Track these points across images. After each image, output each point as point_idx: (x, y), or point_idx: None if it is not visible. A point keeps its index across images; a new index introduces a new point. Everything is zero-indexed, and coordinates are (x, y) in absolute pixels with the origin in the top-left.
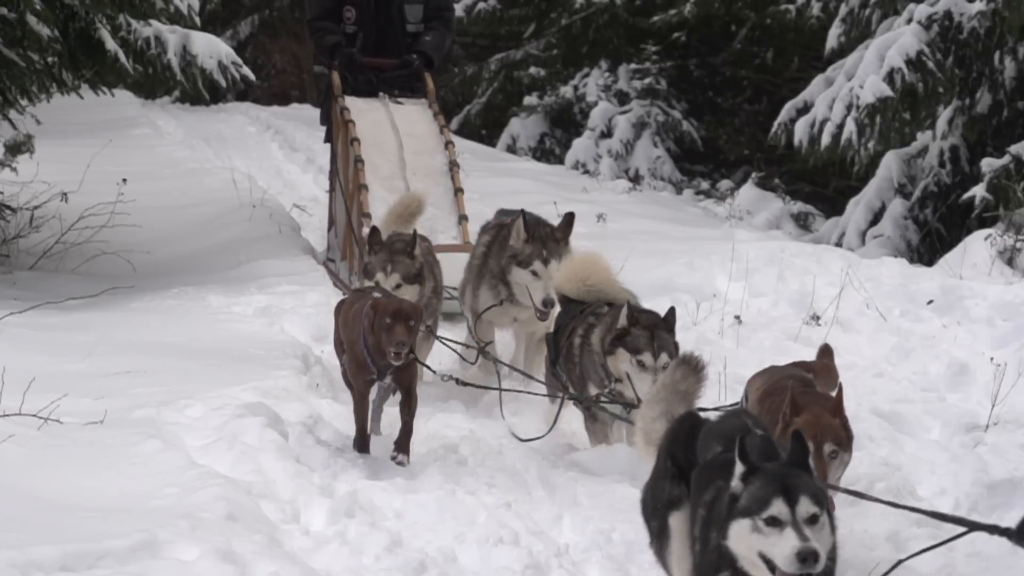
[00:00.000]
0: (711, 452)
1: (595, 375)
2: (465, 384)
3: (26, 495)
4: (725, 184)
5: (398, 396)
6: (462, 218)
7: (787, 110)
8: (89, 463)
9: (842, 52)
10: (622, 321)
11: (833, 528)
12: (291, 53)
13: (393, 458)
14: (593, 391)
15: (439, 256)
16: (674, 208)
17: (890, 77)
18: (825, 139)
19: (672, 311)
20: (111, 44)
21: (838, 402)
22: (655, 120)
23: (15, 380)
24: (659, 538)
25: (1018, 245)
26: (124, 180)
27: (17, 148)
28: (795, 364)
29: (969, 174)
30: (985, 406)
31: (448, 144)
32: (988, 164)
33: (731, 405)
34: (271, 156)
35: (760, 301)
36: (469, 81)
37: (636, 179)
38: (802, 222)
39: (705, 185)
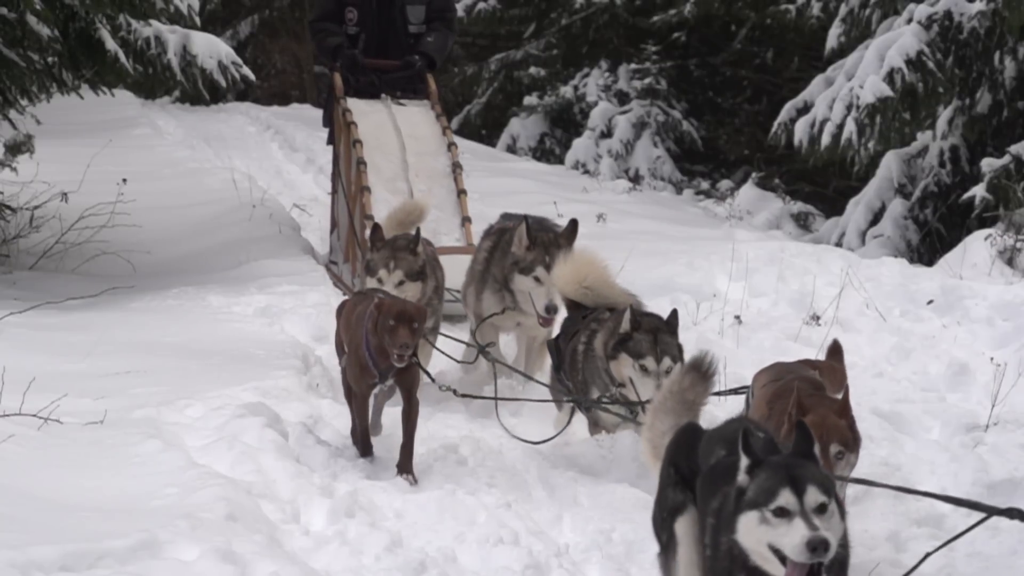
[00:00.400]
0: (714, 457)
1: (599, 380)
2: (463, 395)
3: (26, 495)
4: (725, 184)
5: (397, 395)
6: (465, 220)
7: (787, 110)
8: (89, 463)
9: (842, 52)
10: (624, 325)
11: (843, 515)
12: (291, 53)
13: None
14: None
15: (442, 258)
16: (674, 208)
17: (890, 77)
18: (825, 139)
19: (675, 313)
20: (111, 44)
21: (844, 403)
22: (655, 120)
23: (15, 380)
24: (667, 550)
25: (1018, 245)
26: (124, 180)
27: (17, 148)
28: (802, 362)
29: (969, 174)
30: (985, 406)
31: (451, 146)
32: (988, 164)
33: (738, 390)
34: (271, 156)
35: (760, 301)
36: (469, 81)
37: (636, 179)
38: (802, 222)
39: (705, 185)
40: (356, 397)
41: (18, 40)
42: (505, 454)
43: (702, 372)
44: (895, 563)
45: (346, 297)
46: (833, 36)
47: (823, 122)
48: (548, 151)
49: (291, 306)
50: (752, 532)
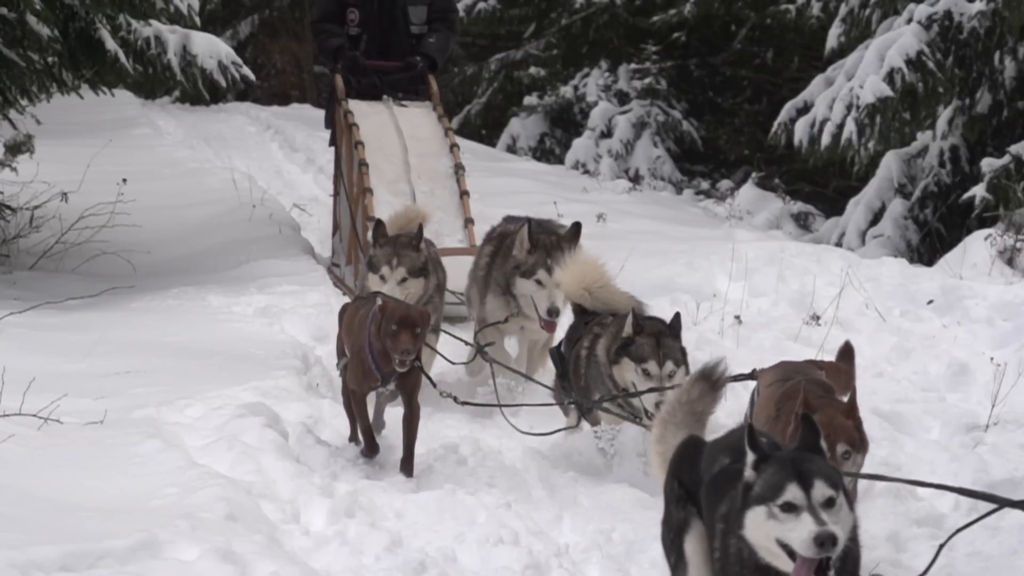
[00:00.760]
0: (718, 466)
1: (601, 386)
2: (464, 403)
3: (26, 495)
4: (725, 184)
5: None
6: (468, 221)
7: (787, 110)
8: (89, 463)
9: (842, 52)
10: (627, 330)
11: (852, 507)
12: (291, 53)
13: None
14: (599, 413)
15: (445, 259)
16: (674, 208)
17: (890, 77)
18: (825, 139)
19: (677, 317)
20: (111, 44)
21: (852, 404)
22: (655, 120)
23: (15, 380)
24: (676, 570)
25: (1018, 245)
26: (124, 180)
27: (17, 148)
28: (808, 363)
29: (969, 174)
30: (985, 406)
31: (453, 147)
32: (988, 164)
33: (745, 376)
34: (271, 156)
35: (760, 301)
36: (469, 81)
37: (636, 179)
38: (802, 222)
39: (705, 185)
40: (355, 396)
41: (18, 40)
42: (505, 454)
43: (712, 382)
44: (895, 563)
45: (347, 301)
46: (833, 36)
47: (823, 122)
48: (548, 151)
49: (291, 306)
50: (760, 527)
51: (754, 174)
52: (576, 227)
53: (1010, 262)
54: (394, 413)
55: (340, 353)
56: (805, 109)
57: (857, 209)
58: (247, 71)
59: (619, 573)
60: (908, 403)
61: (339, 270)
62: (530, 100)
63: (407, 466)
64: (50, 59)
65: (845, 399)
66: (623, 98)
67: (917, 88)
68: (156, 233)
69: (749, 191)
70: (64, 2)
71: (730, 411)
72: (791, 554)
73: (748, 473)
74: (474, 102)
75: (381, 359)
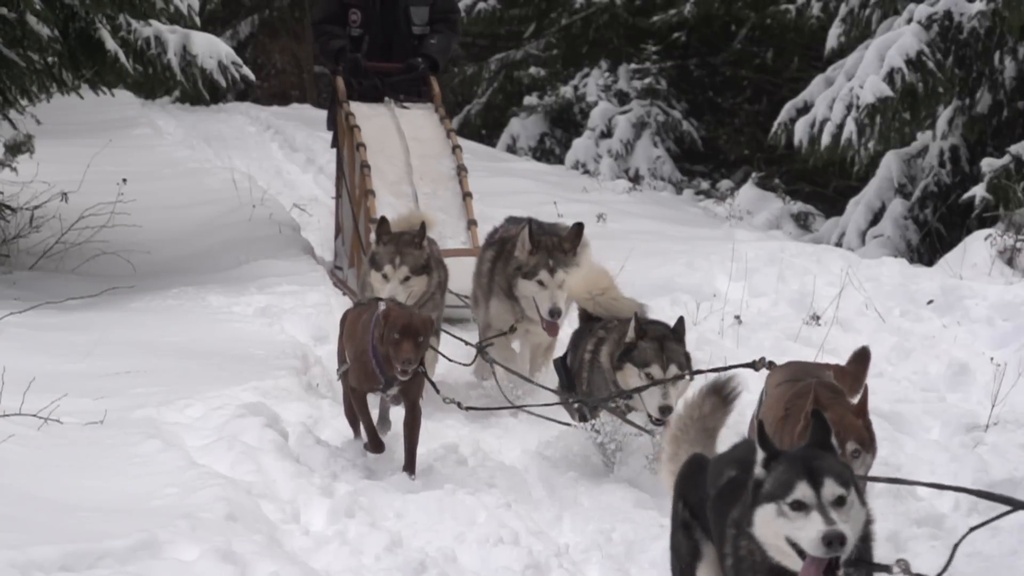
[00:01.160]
0: (725, 478)
1: (604, 392)
2: (469, 408)
3: (26, 495)
4: (725, 184)
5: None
6: (471, 223)
7: (787, 110)
8: (89, 463)
9: (842, 52)
10: (630, 334)
11: (863, 503)
12: (291, 53)
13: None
14: (603, 413)
15: (448, 260)
16: (674, 208)
17: (890, 77)
18: (825, 139)
19: (681, 321)
20: (111, 44)
21: (862, 403)
22: (655, 120)
23: (15, 380)
24: None
25: (1018, 245)
26: (124, 180)
27: (17, 148)
28: (817, 365)
29: (969, 174)
30: (985, 406)
31: (455, 148)
32: (988, 164)
33: (750, 364)
34: (271, 156)
35: (760, 301)
36: (469, 81)
37: (636, 179)
38: (802, 222)
39: (705, 185)
40: (355, 394)
41: (18, 40)
42: (505, 454)
43: (723, 396)
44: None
45: (349, 306)
46: (833, 36)
47: (823, 122)
48: (548, 151)
49: (291, 306)
50: (769, 525)
51: (754, 174)
52: (578, 228)
53: (1010, 262)
54: (396, 414)
55: (341, 360)
56: (805, 109)
57: (857, 209)
58: (247, 71)
59: (619, 573)
60: (908, 403)
61: (342, 273)
62: (530, 100)
63: (410, 467)
64: (50, 59)
65: (854, 401)
66: (623, 98)
67: (917, 88)
68: (156, 233)
69: (749, 191)
70: (64, 2)
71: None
72: (800, 553)
73: (758, 470)
74: (474, 102)
75: (385, 363)
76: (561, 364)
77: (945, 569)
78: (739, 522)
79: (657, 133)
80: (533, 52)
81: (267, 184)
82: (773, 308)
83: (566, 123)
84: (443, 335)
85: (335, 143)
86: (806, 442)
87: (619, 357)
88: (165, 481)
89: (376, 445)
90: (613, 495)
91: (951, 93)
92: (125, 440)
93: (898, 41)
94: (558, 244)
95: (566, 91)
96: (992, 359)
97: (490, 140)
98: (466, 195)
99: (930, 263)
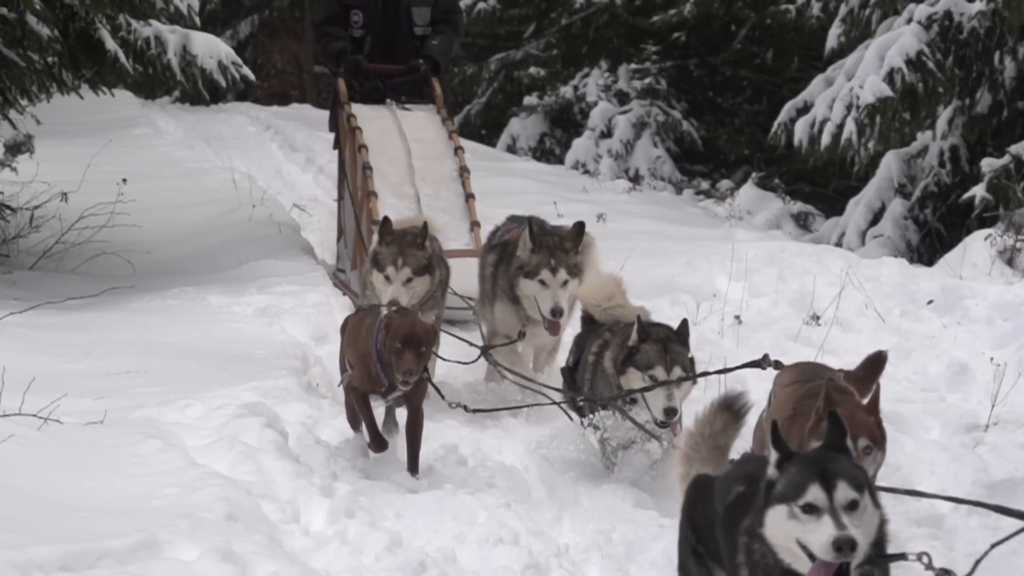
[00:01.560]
0: (733, 494)
1: (607, 395)
2: (476, 411)
3: (26, 495)
4: (725, 184)
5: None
6: (474, 224)
7: (787, 110)
8: (89, 463)
9: (842, 52)
10: (633, 338)
11: (877, 505)
12: (291, 53)
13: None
14: (606, 416)
15: (451, 261)
16: (674, 208)
17: (890, 77)
18: (825, 139)
19: (685, 323)
20: (111, 44)
21: (874, 401)
22: (655, 120)
23: (15, 380)
24: None
25: (1018, 245)
26: (124, 180)
27: (17, 148)
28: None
29: (969, 174)
30: (985, 406)
31: (458, 149)
32: (988, 164)
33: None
34: (271, 156)
35: (760, 301)
36: (469, 81)
37: (636, 179)
38: (802, 222)
39: (705, 185)
40: (356, 393)
41: (18, 40)
42: (505, 454)
43: (734, 412)
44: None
45: (350, 311)
46: (833, 36)
47: (823, 122)
48: (548, 151)
49: (291, 306)
50: (780, 527)
51: (754, 174)
52: (579, 227)
53: (1010, 262)
54: (399, 415)
55: (343, 367)
56: (805, 109)
57: (857, 209)
58: (247, 71)
59: (619, 573)
60: (908, 403)
61: (344, 276)
62: (530, 100)
63: (413, 468)
64: (50, 59)
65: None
66: (623, 98)
67: (917, 88)
68: (156, 233)
69: (749, 191)
70: (64, 2)
71: None
72: (811, 556)
73: (771, 471)
74: (474, 102)
75: (388, 367)
76: (569, 374)
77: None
78: (751, 529)
79: (657, 133)
80: (533, 52)
81: (267, 184)
82: (773, 308)
83: (566, 123)
84: (446, 336)
85: (337, 145)
86: (821, 444)
87: (622, 362)
88: (165, 481)
89: (378, 444)
90: (613, 495)
91: (951, 93)
92: (125, 440)
93: (898, 41)
94: (559, 244)
95: (566, 91)
96: (992, 359)
97: (490, 140)
98: (469, 196)
99: (930, 263)
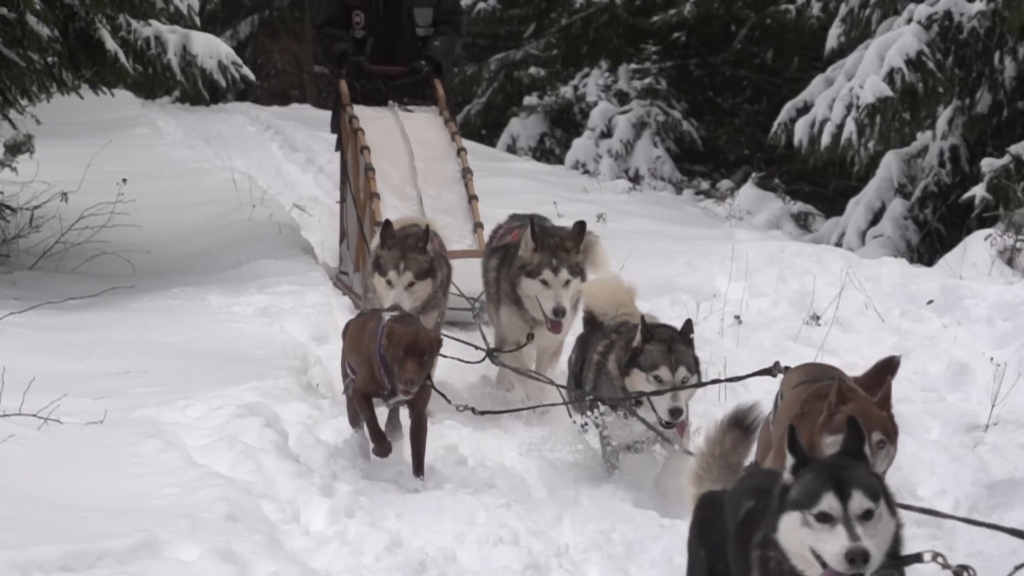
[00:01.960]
0: (743, 510)
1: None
2: (483, 413)
3: (26, 495)
4: (725, 184)
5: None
6: (477, 225)
7: (787, 110)
8: (89, 463)
9: (842, 52)
10: (636, 339)
11: (893, 513)
12: (291, 53)
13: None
14: (608, 418)
15: (454, 262)
16: (674, 208)
17: (890, 77)
18: (825, 139)
19: (689, 323)
20: (111, 44)
21: (886, 396)
22: (655, 120)
23: (15, 380)
24: None
25: (1018, 245)
26: (124, 180)
27: (17, 148)
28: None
29: (969, 174)
30: (985, 406)
31: (460, 151)
32: (988, 164)
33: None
34: (271, 156)
35: (760, 301)
36: (469, 81)
37: (636, 179)
38: (802, 222)
39: (705, 185)
40: (358, 394)
41: (18, 40)
42: (505, 454)
43: (745, 428)
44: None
45: (351, 316)
46: (833, 36)
47: (823, 122)
48: (548, 151)
49: (291, 306)
50: (793, 533)
51: (754, 174)
52: (581, 226)
53: (1010, 262)
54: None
55: (344, 373)
56: (805, 109)
57: (857, 209)
58: (247, 71)
59: (619, 573)
60: (908, 403)
61: (347, 278)
62: (530, 100)
63: (418, 470)
64: (50, 59)
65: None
66: (623, 98)
67: (917, 88)
68: (156, 233)
69: (749, 191)
70: (64, 2)
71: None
72: (824, 564)
73: (787, 476)
74: (474, 102)
75: (392, 372)
76: (572, 380)
77: None
78: (764, 537)
79: (657, 133)
80: (533, 52)
81: (267, 184)
82: (773, 308)
83: (566, 123)
84: (447, 337)
85: (339, 146)
86: (838, 450)
87: (626, 364)
88: (165, 481)
89: (381, 446)
90: (613, 495)
91: (951, 93)
92: (125, 440)
93: (898, 41)
94: (561, 243)
95: (566, 91)
96: (992, 359)
97: (490, 140)
98: (472, 198)
99: (930, 263)
